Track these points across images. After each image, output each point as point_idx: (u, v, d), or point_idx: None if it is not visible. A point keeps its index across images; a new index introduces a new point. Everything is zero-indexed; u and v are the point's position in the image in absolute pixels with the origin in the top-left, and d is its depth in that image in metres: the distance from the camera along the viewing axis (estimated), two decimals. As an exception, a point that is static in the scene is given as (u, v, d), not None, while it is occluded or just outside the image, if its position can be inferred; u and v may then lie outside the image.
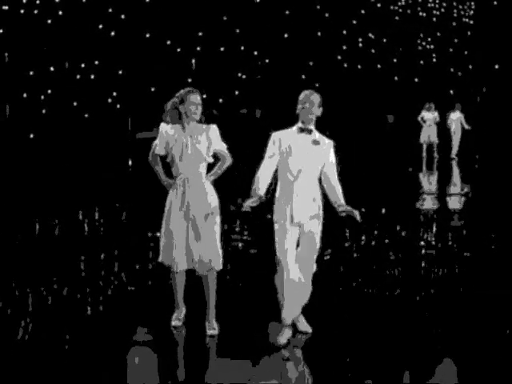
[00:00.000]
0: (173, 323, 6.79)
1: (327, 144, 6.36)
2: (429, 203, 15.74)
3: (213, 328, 6.64)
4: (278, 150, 6.28)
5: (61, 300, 7.76)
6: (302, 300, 6.45)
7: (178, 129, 6.48)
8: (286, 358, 6.15)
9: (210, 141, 6.48)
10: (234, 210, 11.46)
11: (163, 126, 6.53)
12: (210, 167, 6.71)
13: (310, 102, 6.23)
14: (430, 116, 26.20)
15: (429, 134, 25.88)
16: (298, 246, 6.42)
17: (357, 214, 6.15)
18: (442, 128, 26.74)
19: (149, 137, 28.76)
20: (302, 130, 6.30)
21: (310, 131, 6.30)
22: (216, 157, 6.66)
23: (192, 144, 6.39)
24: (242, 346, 6.33)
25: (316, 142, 6.26)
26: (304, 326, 6.67)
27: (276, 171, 6.36)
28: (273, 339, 6.45)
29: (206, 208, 6.44)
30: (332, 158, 6.38)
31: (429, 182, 20.75)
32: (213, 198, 6.52)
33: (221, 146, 6.57)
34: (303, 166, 6.23)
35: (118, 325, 6.83)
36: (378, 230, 11.72)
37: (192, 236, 6.45)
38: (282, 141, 6.31)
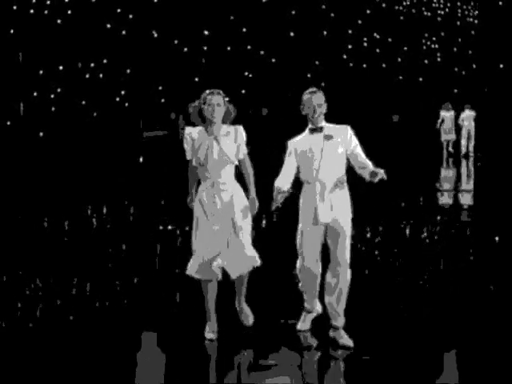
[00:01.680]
0: (207, 336, 6.37)
1: (342, 132, 6.19)
2: (448, 198, 16.01)
3: (248, 316, 6.56)
4: (294, 157, 6.19)
5: (68, 299, 7.67)
6: (336, 303, 6.22)
7: (202, 132, 6.27)
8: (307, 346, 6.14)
9: (239, 144, 6.26)
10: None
11: (188, 130, 6.31)
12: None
13: (312, 104, 6.14)
14: (447, 115, 26.77)
15: (448, 131, 26.50)
16: (327, 248, 6.25)
17: (382, 172, 5.91)
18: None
19: (156, 135, 28.82)
20: (313, 131, 6.18)
21: (320, 129, 6.16)
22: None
23: (216, 147, 6.18)
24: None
25: (328, 137, 6.13)
26: (346, 339, 6.26)
27: (296, 179, 6.22)
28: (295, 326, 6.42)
29: (238, 210, 6.23)
30: (353, 140, 6.19)
31: (449, 177, 21.03)
32: (243, 199, 6.29)
33: (245, 152, 6.34)
34: (321, 165, 6.10)
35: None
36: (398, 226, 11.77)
37: (228, 240, 6.24)
38: (297, 147, 6.21)
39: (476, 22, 35.19)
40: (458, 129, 26.86)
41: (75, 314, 7.05)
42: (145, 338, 6.33)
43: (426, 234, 11.20)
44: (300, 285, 6.45)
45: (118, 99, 29.13)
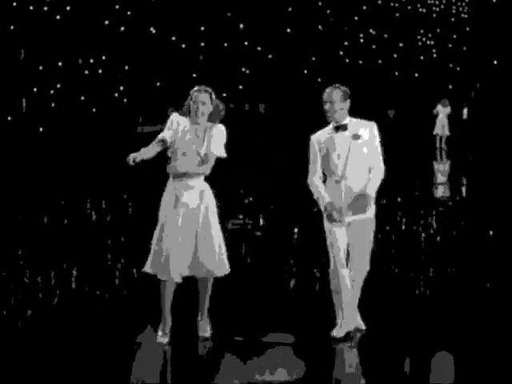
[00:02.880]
0: (159, 340, 6.08)
1: (368, 130, 6.07)
2: (441, 191, 16.23)
3: (207, 330, 6.22)
4: (318, 152, 6.06)
5: (67, 295, 7.66)
6: (353, 297, 6.18)
7: (187, 125, 6.07)
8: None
9: (210, 141, 6.01)
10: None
11: (175, 115, 6.13)
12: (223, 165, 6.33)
13: (331, 101, 5.99)
14: (443, 110, 27.11)
15: (442, 126, 26.89)
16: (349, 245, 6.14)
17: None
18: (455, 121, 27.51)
19: (154, 130, 28.94)
20: (337, 129, 6.05)
21: (345, 127, 6.04)
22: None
23: (196, 146, 6.00)
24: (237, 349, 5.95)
25: (356, 137, 6.00)
26: (358, 323, 6.28)
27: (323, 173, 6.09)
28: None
29: (206, 211, 6.01)
30: (376, 140, 6.07)
31: (441, 170, 21.29)
32: (211, 200, 6.07)
33: (216, 151, 6.03)
34: (348, 164, 5.97)
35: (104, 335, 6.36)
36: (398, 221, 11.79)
37: (193, 242, 5.98)
38: (320, 143, 6.07)
39: (470, 18, 35.41)
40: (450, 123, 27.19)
41: (74, 310, 7.03)
42: (144, 334, 6.21)
43: (423, 227, 11.30)
44: (332, 287, 6.21)
45: (116, 95, 29.31)
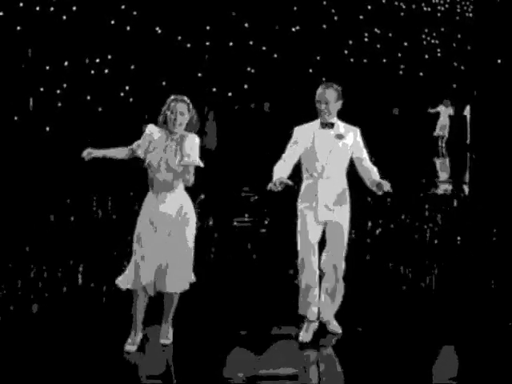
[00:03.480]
0: (127, 348, 6.01)
1: (352, 133, 6.05)
2: (443, 188, 16.36)
3: (166, 337, 6.19)
4: (300, 145, 6.01)
5: (70, 293, 7.71)
6: (331, 299, 6.16)
7: (162, 135, 5.96)
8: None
9: (184, 151, 5.84)
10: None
11: (151, 127, 6.00)
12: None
13: (325, 100, 5.95)
14: (445, 110, 27.22)
15: (442, 127, 26.97)
16: (323, 243, 6.15)
17: (388, 185, 5.78)
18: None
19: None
20: (324, 125, 6.01)
21: (332, 125, 6.00)
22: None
23: (168, 157, 5.89)
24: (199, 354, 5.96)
25: (340, 136, 5.97)
26: (334, 326, 6.30)
27: (297, 166, 6.08)
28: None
29: (177, 224, 5.92)
30: (361, 143, 6.07)
31: (442, 169, 21.43)
32: (186, 214, 5.96)
33: (191, 160, 5.88)
34: (328, 162, 5.95)
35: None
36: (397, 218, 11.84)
37: (163, 253, 5.90)
38: (304, 136, 6.03)
39: (474, 17, 35.43)
40: (452, 125, 27.26)
41: (76, 309, 7.07)
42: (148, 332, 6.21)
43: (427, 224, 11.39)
44: (300, 283, 6.20)
45: (122, 94, 29.42)
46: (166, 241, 5.90)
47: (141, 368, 5.78)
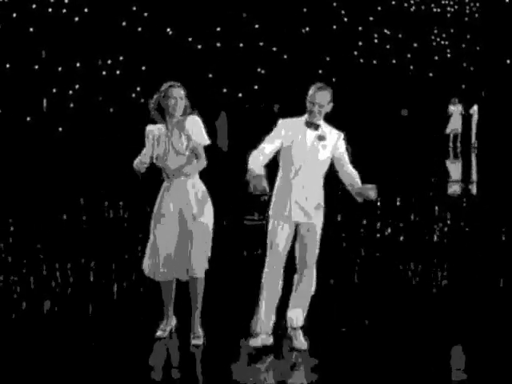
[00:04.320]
0: (157, 333, 6.12)
1: (335, 137, 5.88)
2: (456, 189, 16.40)
3: (197, 337, 6.11)
4: (281, 137, 5.85)
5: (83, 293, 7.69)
6: (299, 302, 5.98)
7: (162, 129, 5.98)
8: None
9: (188, 133, 5.87)
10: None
11: (149, 128, 6.06)
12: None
13: (320, 103, 5.79)
14: (454, 109, 27.40)
15: (454, 125, 27.17)
16: (294, 248, 5.96)
17: (372, 193, 5.56)
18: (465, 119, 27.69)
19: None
20: (309, 125, 5.84)
21: (316, 126, 5.84)
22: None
23: (173, 143, 5.90)
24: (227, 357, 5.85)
25: (321, 138, 5.81)
26: (300, 342, 6.01)
27: (274, 159, 5.92)
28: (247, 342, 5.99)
29: (194, 210, 5.89)
30: (342, 148, 5.88)
31: (455, 169, 21.49)
32: (202, 200, 5.94)
33: (199, 141, 5.91)
34: (304, 162, 5.79)
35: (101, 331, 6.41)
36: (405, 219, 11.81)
37: (181, 241, 5.91)
38: (288, 130, 5.86)
39: (482, 17, 35.52)
40: (465, 122, 27.43)
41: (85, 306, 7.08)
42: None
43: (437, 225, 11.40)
44: (261, 288, 5.97)
45: (133, 95, 29.62)
46: (184, 228, 5.89)
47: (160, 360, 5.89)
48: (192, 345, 6.02)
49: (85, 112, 27.90)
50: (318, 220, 5.90)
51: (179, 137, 5.87)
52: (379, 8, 34.37)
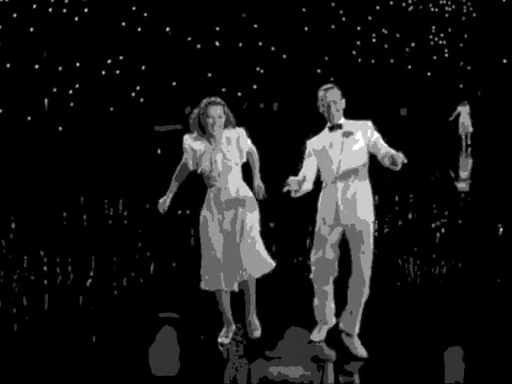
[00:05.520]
0: (219, 340, 6.05)
1: (362, 127, 5.78)
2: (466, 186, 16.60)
3: (257, 328, 6.16)
4: (313, 158, 5.82)
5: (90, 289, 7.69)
6: (351, 307, 5.84)
7: (204, 142, 5.89)
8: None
9: (240, 146, 5.87)
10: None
11: (187, 140, 5.90)
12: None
13: (334, 101, 5.73)
14: (463, 109, 27.79)
15: (465, 125, 27.57)
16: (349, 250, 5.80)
17: (402, 156, 5.43)
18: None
19: (168, 130, 29.13)
20: (331, 129, 5.77)
21: (339, 126, 5.76)
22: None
23: (221, 158, 5.85)
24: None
25: (347, 134, 5.75)
26: (359, 349, 5.80)
27: (312, 179, 5.79)
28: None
29: (246, 215, 5.90)
30: (374, 135, 5.73)
31: (463, 167, 21.69)
32: (249, 202, 5.92)
33: (250, 147, 5.94)
34: (342, 163, 5.70)
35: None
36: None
37: (236, 248, 5.86)
38: (315, 147, 5.82)
39: (479, 17, 35.68)
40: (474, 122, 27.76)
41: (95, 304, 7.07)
42: (163, 331, 6.24)
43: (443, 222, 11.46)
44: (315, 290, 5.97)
45: (133, 94, 29.74)
46: (235, 233, 5.86)
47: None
48: (252, 337, 6.09)
49: (85, 111, 28.00)
50: (366, 219, 5.74)
51: (232, 152, 5.84)
52: (377, 7, 34.52)
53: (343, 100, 5.79)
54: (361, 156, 5.70)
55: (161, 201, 5.97)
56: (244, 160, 5.90)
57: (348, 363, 5.61)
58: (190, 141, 5.87)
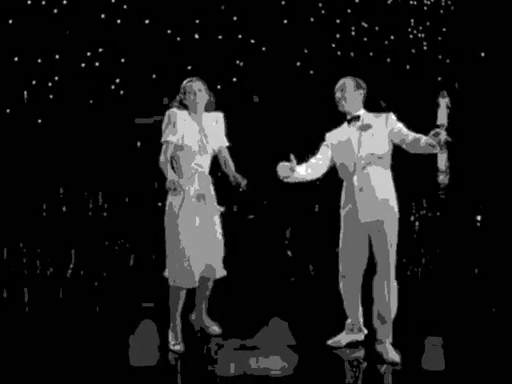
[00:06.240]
0: (175, 348, 5.72)
1: (383, 119, 5.52)
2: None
3: (214, 324, 6.08)
4: (327, 149, 5.61)
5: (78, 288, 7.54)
6: (381, 312, 5.54)
7: (189, 118, 5.71)
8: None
9: (220, 131, 5.80)
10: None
11: (174, 111, 5.69)
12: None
13: (342, 89, 5.55)
14: (442, 100, 27.92)
15: (443, 116, 27.74)
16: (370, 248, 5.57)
17: (443, 134, 5.12)
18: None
19: (147, 123, 29.15)
20: (350, 121, 5.54)
21: (357, 118, 5.54)
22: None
23: (205, 136, 5.69)
24: None
25: (364, 127, 5.48)
26: (391, 354, 5.51)
27: (319, 170, 5.61)
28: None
29: (215, 208, 5.78)
30: (396, 125, 5.45)
31: (443, 159, 21.85)
32: (214, 196, 5.82)
33: (225, 143, 5.86)
34: (358, 157, 5.42)
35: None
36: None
37: (206, 239, 5.69)
38: (333, 140, 5.60)
39: (457, 10, 35.87)
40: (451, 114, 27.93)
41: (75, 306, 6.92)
42: (143, 323, 6.13)
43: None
44: (342, 295, 5.78)
45: (112, 87, 29.68)
46: (208, 226, 5.69)
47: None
48: (213, 334, 5.99)
49: (64, 104, 27.91)
50: (388, 217, 5.45)
51: (212, 135, 5.74)
52: (357, 0, 34.58)
53: (359, 91, 5.60)
54: (381, 148, 5.45)
55: (170, 184, 5.44)
56: (221, 145, 5.79)
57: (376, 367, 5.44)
58: (177, 110, 5.69)
